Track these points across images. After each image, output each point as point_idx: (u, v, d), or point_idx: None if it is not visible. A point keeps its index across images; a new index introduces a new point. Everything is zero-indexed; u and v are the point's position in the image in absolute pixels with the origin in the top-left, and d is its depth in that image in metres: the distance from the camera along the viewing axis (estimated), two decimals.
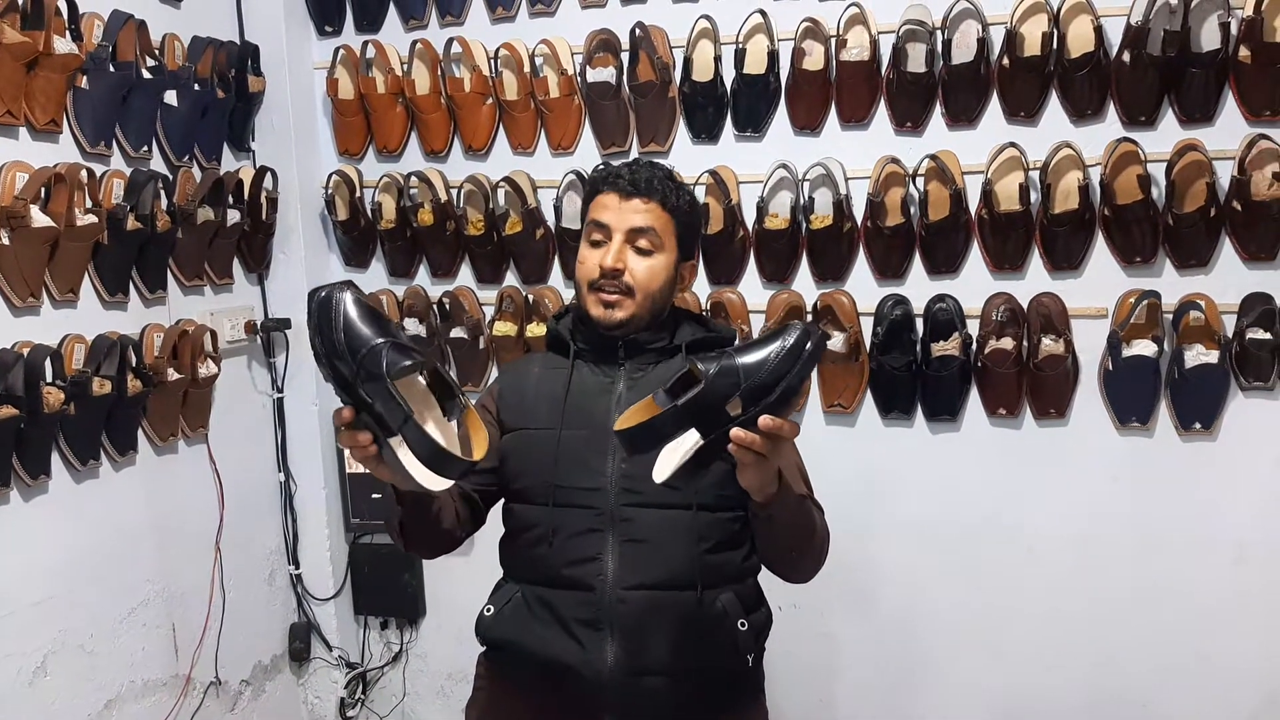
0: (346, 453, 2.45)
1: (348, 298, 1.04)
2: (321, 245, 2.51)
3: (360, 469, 2.48)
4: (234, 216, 2.22)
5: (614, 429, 1.06)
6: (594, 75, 2.18)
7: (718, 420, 1.03)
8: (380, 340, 1.02)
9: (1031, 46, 1.97)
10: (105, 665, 1.99)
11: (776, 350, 1.04)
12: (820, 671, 2.29)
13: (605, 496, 1.29)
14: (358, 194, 2.39)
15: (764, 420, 1.02)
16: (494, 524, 1.44)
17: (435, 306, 2.38)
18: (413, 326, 2.38)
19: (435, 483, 1.02)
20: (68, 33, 1.82)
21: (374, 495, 2.49)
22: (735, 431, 1.03)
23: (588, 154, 2.30)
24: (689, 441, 1.05)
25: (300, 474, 2.51)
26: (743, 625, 1.31)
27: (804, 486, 1.34)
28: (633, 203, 1.31)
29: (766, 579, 1.38)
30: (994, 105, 2.05)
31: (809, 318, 2.19)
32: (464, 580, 2.34)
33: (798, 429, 1.06)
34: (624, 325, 1.32)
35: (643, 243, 1.31)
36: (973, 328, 2.09)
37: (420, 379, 1.07)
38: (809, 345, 1.05)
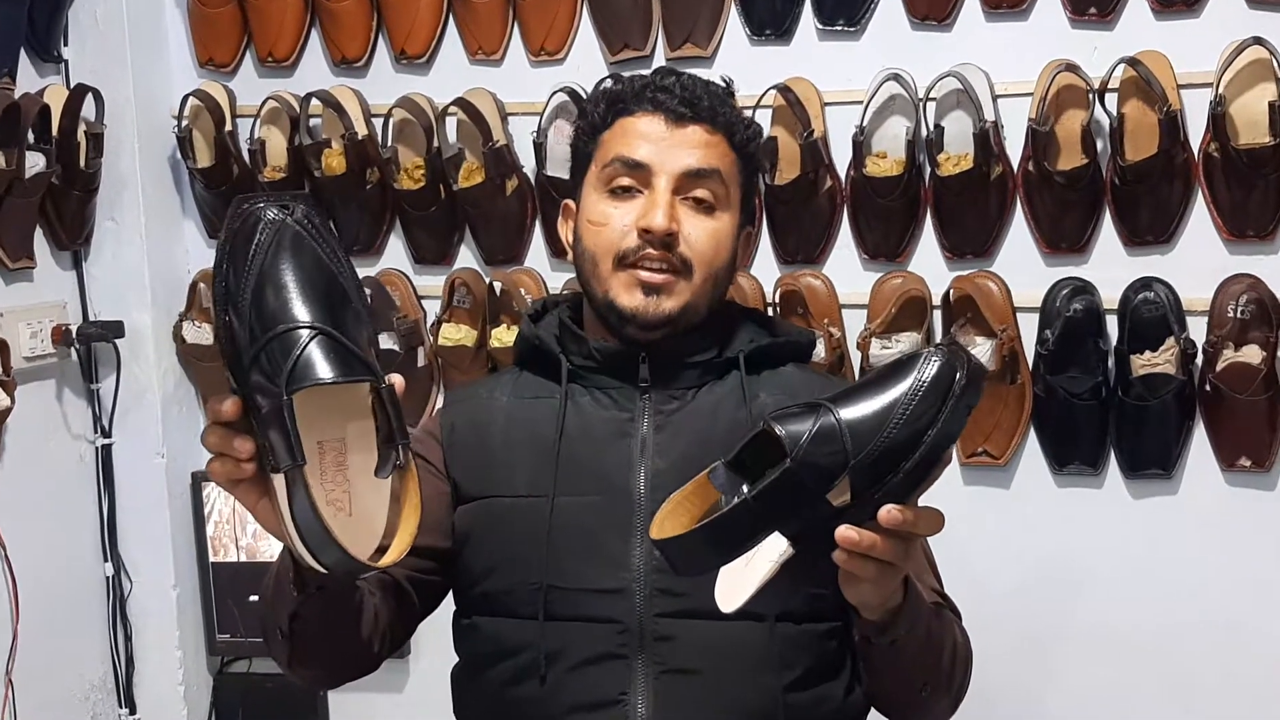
0: (211, 524, 2.52)
1: (283, 230, 1.03)
2: (172, 207, 2.52)
3: (232, 555, 2.52)
4: (36, 163, 2.21)
5: (652, 536, 1.08)
6: None
7: (815, 515, 1.03)
8: (296, 324, 1.00)
9: None
10: None
11: (906, 394, 1.03)
12: None
13: (630, 602, 1.30)
14: (228, 127, 2.41)
15: (888, 514, 1.02)
16: (440, 635, 1.42)
17: None
18: None
19: (315, 561, 1.03)
20: None
21: (252, 598, 2.48)
22: (843, 533, 1.02)
23: (587, 62, 2.29)
24: (772, 552, 1.05)
25: (139, 564, 2.51)
26: None
27: (932, 579, 1.37)
28: (687, 131, 1.34)
29: None
30: None
31: (937, 316, 2.17)
32: None
33: (941, 520, 1.07)
34: (673, 321, 1.34)
35: (702, 192, 1.34)
36: (1197, 330, 2.09)
37: (368, 397, 1.07)
38: (959, 380, 1.04)
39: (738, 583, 1.07)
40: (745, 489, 1.05)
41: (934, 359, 1.04)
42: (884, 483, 1.03)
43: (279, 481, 1.01)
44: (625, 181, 1.34)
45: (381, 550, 1.06)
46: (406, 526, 1.07)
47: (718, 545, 1.05)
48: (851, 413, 1.03)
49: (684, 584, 1.25)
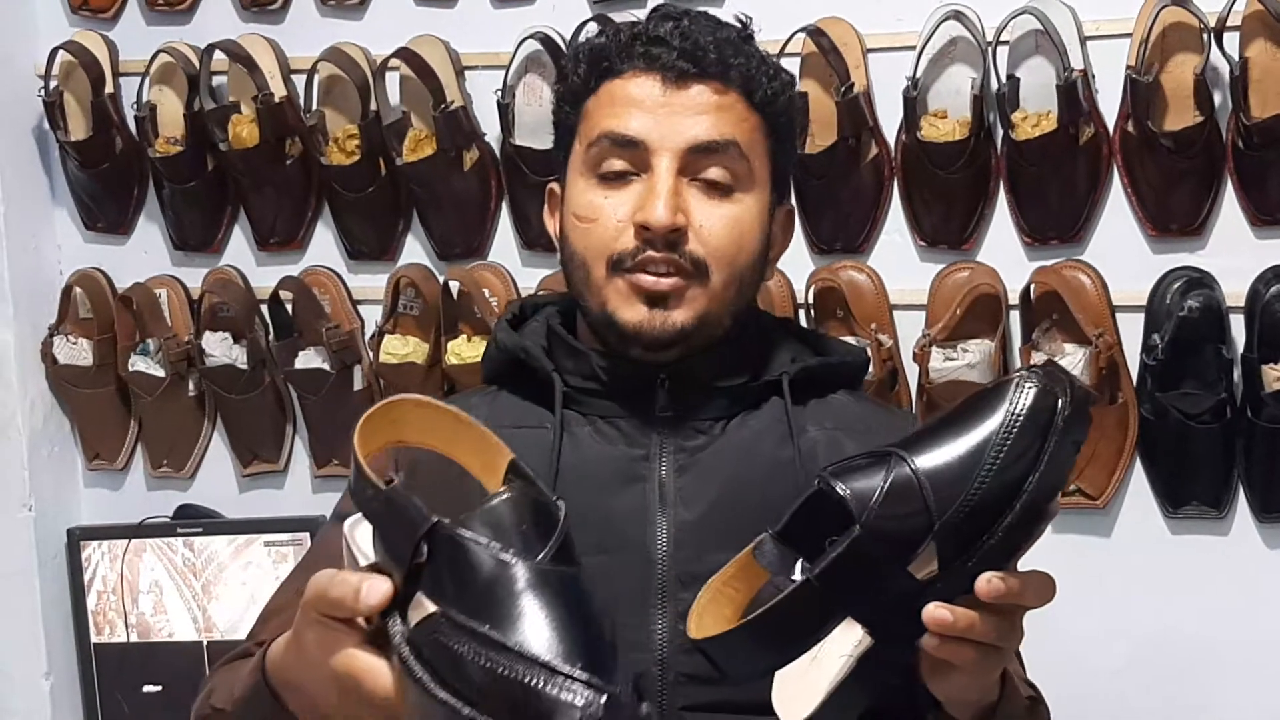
0: (93, 595, 2.45)
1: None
2: (38, 191, 2.48)
3: (120, 634, 2.43)
4: None
5: (691, 636, 1.09)
6: None
7: (895, 593, 1.01)
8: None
9: None
10: None
11: (998, 432, 1.01)
12: None
13: (648, 688, 1.29)
14: (109, 89, 2.36)
15: (988, 584, 1.00)
16: None
17: (266, 308, 2.35)
18: (219, 347, 2.35)
19: None
20: None
21: (148, 688, 2.41)
22: (934, 613, 1.00)
23: (564, 1, 2.22)
24: (845, 644, 1.04)
25: (1, 648, 2.45)
26: None
27: (1018, 665, 1.33)
28: (691, 92, 1.30)
29: None
30: None
31: (1015, 319, 2.11)
32: None
33: (1052, 587, 1.04)
34: (688, 337, 1.30)
35: (716, 171, 1.30)
36: None
37: None
38: (1062, 411, 1.02)
39: (803, 687, 1.05)
40: (802, 566, 1.04)
41: (1028, 386, 1.02)
42: (978, 547, 1.01)
43: None
44: (617, 165, 1.30)
45: None
46: None
47: (775, 641, 1.04)
48: (931, 460, 1.01)
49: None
